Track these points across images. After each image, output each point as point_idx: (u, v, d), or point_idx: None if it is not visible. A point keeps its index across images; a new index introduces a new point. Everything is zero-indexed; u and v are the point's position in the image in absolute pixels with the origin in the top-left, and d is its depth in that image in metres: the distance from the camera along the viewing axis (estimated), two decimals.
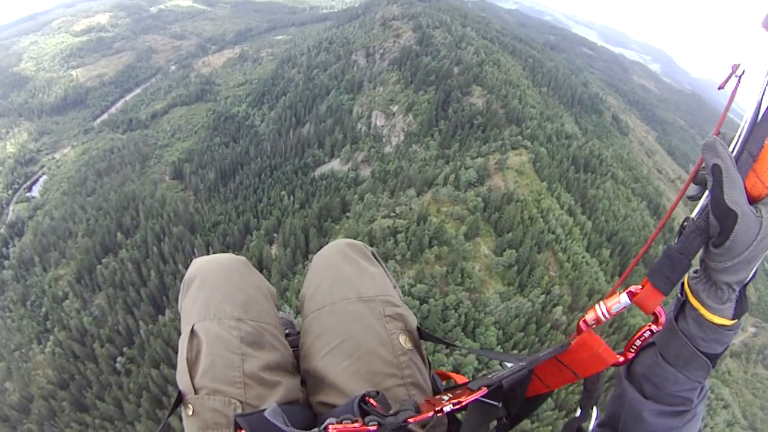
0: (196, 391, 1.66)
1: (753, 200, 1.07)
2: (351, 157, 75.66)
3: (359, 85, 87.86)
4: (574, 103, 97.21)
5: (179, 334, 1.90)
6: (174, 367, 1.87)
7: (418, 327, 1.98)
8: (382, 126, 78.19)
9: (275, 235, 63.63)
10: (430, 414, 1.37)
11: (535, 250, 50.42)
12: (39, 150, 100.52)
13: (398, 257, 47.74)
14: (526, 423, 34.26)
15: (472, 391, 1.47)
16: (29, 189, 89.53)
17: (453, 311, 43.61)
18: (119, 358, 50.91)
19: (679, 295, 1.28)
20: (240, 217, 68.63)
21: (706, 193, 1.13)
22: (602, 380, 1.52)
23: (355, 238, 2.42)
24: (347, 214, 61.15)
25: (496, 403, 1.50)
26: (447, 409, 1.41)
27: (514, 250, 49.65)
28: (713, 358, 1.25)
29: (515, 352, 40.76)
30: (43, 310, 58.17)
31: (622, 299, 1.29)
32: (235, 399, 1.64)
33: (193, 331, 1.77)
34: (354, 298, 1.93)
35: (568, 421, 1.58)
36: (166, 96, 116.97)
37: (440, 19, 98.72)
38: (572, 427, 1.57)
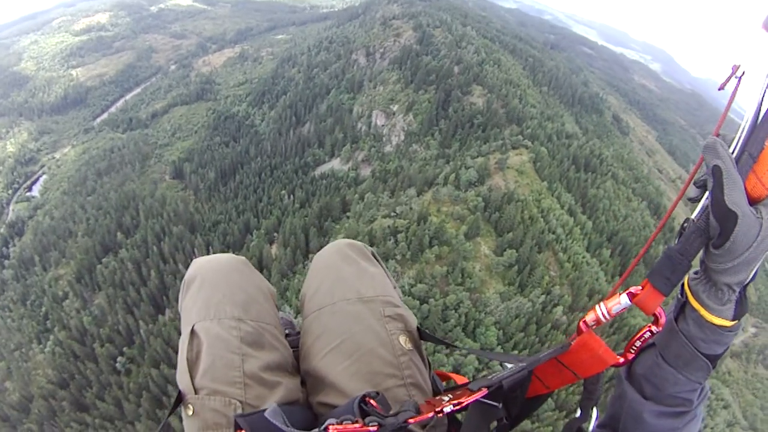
0: (196, 391, 1.66)
1: (753, 201, 1.07)
2: (351, 157, 75.67)
3: (359, 84, 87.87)
4: (575, 102, 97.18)
5: (179, 333, 1.90)
6: (174, 366, 1.87)
7: (418, 327, 1.98)
8: (383, 125, 78.20)
9: (275, 234, 63.62)
10: (431, 415, 1.37)
11: (535, 250, 50.42)
12: (39, 149, 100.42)
13: (398, 257, 47.74)
14: (526, 423, 34.27)
15: (473, 392, 1.47)
16: (29, 188, 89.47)
17: (453, 311, 43.61)
18: (119, 358, 50.92)
19: (680, 296, 1.28)
20: (240, 217, 68.62)
21: (707, 194, 1.13)
22: (602, 381, 1.52)
23: (355, 238, 2.43)
24: (347, 213, 61.16)
25: (496, 404, 1.50)
26: (447, 409, 1.41)
27: (515, 250, 49.63)
28: (713, 359, 1.25)
29: (515, 352, 40.80)
30: (43, 309, 58.17)
31: (623, 300, 1.29)
32: (235, 399, 1.63)
33: (193, 331, 1.77)
34: (354, 298, 1.93)
35: (568, 422, 1.58)
36: (166, 95, 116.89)
37: (440, 18, 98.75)
38: (572, 427, 1.57)
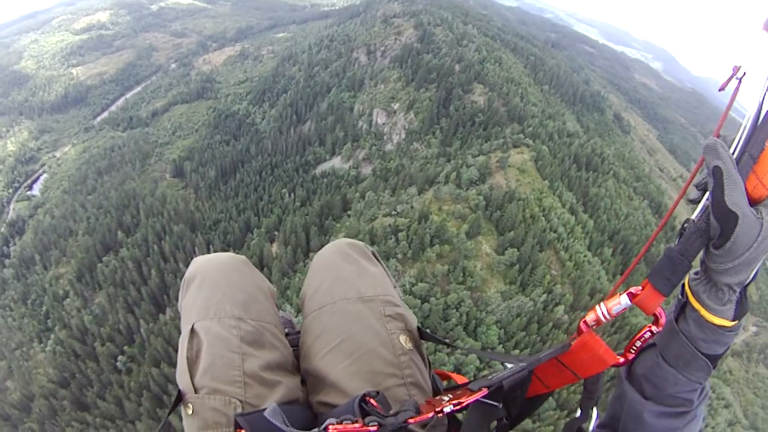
0: (196, 391, 1.65)
1: (754, 202, 1.07)
2: (352, 155, 75.66)
3: (360, 82, 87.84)
4: (576, 101, 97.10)
5: (180, 332, 1.90)
6: (175, 365, 1.87)
7: (418, 327, 1.98)
8: (383, 124, 78.18)
9: (276, 233, 63.65)
10: (431, 415, 1.36)
11: (536, 249, 50.38)
12: (39, 148, 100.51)
13: (399, 256, 47.71)
14: (527, 423, 34.29)
15: (473, 392, 1.46)
16: (30, 187, 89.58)
17: (454, 310, 43.59)
18: (120, 357, 51.01)
19: (680, 297, 1.28)
20: (241, 215, 68.63)
21: (707, 194, 1.13)
22: (602, 381, 1.52)
23: (356, 237, 2.42)
24: (348, 212, 61.17)
25: (496, 404, 1.50)
26: (447, 409, 1.41)
27: (516, 249, 49.61)
28: (714, 359, 1.25)
29: (517, 351, 40.85)
30: (44, 308, 58.27)
31: (623, 300, 1.29)
32: (235, 398, 1.63)
33: (193, 330, 1.77)
34: (354, 297, 1.93)
35: (568, 422, 1.58)
36: (166, 94, 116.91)
37: (441, 16, 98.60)
38: (572, 427, 1.57)
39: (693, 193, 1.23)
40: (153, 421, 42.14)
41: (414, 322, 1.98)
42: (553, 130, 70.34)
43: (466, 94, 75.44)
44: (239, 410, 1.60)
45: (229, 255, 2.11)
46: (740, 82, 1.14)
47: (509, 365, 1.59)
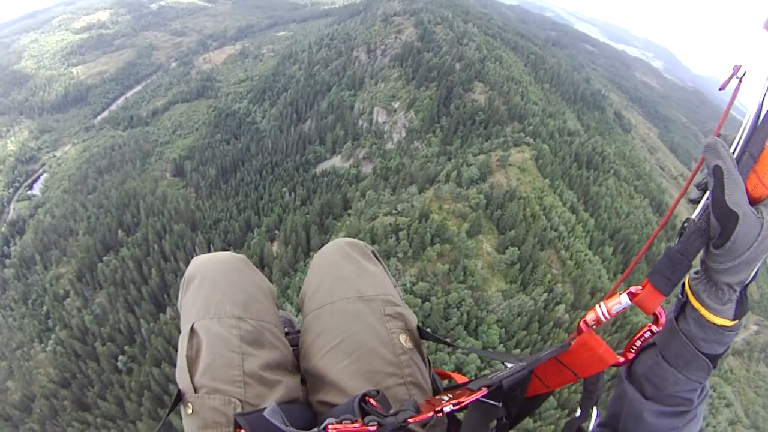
0: (195, 390, 1.65)
1: (754, 202, 1.07)
2: (352, 154, 75.66)
3: (360, 81, 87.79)
4: (577, 99, 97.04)
5: (180, 332, 1.90)
6: (175, 365, 1.86)
7: (418, 326, 1.98)
8: (384, 122, 78.14)
9: (276, 232, 63.67)
10: (430, 414, 1.36)
11: (537, 248, 50.34)
12: (40, 148, 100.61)
13: (400, 255, 47.68)
14: (528, 422, 34.31)
15: (473, 392, 1.46)
16: (30, 187, 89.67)
17: (455, 309, 43.55)
18: (120, 357, 51.06)
19: (680, 296, 1.28)
20: (241, 215, 68.64)
21: (707, 194, 1.13)
22: (602, 380, 1.52)
23: (356, 236, 2.42)
24: (348, 211, 61.16)
25: (496, 403, 1.50)
26: (447, 409, 1.41)
27: (517, 248, 49.55)
28: (714, 359, 1.25)
29: (517, 350, 40.83)
30: (45, 308, 58.31)
31: (623, 300, 1.29)
32: (234, 398, 1.63)
33: (192, 330, 1.77)
34: (354, 297, 1.92)
35: (568, 421, 1.58)
36: (166, 93, 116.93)
37: (442, 15, 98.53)
38: (572, 427, 1.57)
39: (693, 192, 1.23)
40: (154, 421, 42.20)
41: (414, 321, 1.97)
42: (553, 129, 70.27)
43: (467, 93, 75.37)
44: (239, 410, 1.60)
45: (230, 254, 2.11)
46: (741, 81, 1.14)
47: (509, 365, 1.59)
